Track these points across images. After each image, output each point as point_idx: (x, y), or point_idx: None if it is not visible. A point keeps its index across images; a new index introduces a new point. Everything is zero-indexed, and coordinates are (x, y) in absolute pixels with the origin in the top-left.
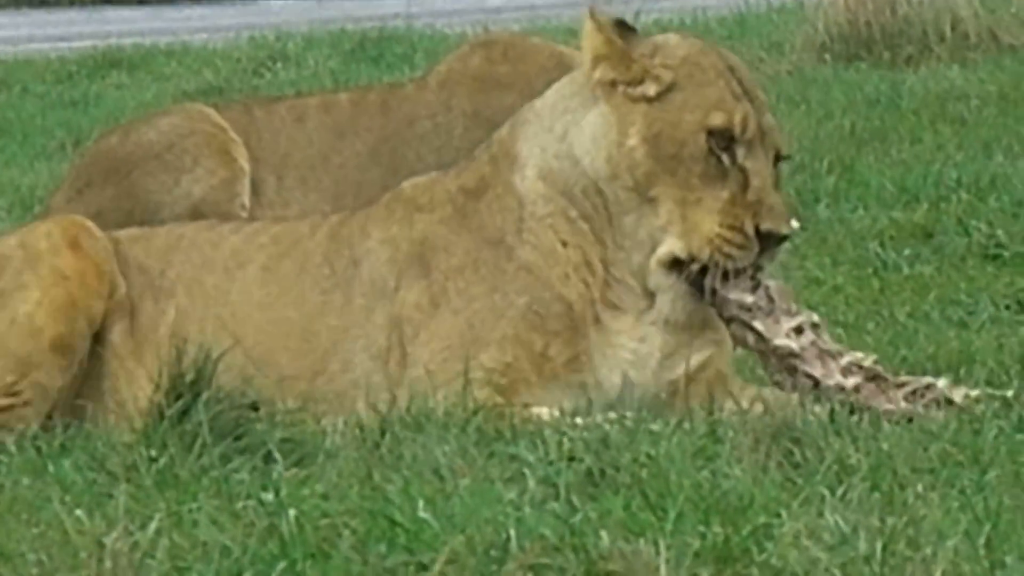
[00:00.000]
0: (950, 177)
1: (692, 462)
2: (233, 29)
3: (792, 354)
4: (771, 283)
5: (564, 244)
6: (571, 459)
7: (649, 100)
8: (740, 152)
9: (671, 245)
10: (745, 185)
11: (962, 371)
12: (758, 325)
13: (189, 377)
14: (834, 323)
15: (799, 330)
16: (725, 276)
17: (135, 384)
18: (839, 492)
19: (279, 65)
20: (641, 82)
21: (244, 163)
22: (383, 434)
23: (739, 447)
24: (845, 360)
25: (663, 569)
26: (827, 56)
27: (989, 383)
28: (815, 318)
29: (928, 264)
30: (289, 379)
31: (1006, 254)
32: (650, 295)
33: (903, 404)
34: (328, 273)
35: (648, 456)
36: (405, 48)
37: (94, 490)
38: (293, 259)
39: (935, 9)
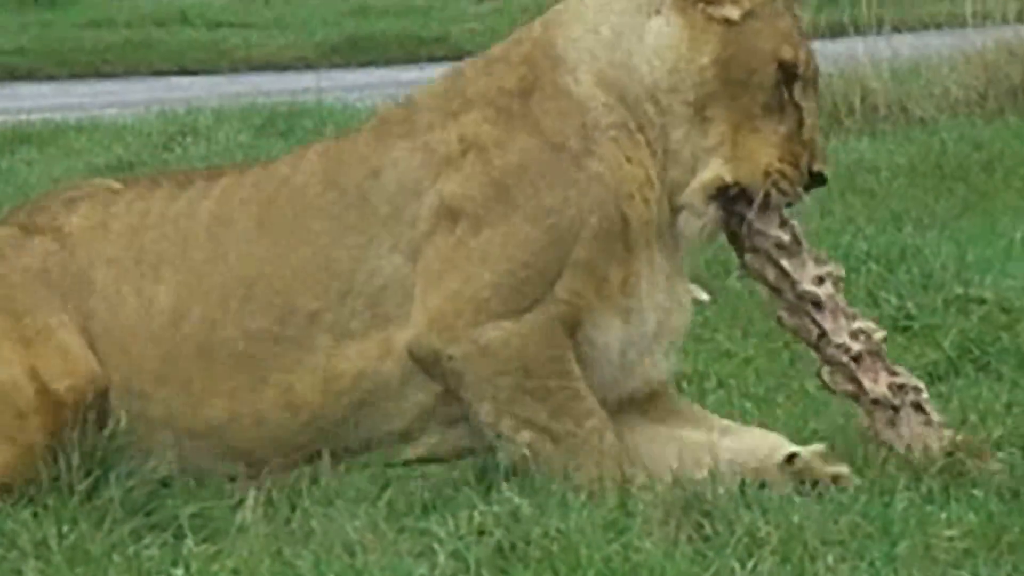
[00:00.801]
0: (860, 249)
1: (603, 535)
2: (143, 104)
3: (814, 301)
4: (796, 224)
5: (628, 160)
6: (481, 533)
7: (728, 23)
8: (798, 89)
9: (719, 169)
10: (800, 123)
11: (871, 445)
12: (786, 264)
13: (99, 452)
14: (744, 395)
15: (821, 279)
16: (760, 208)
17: None
18: (750, 565)
19: (189, 139)
20: (722, 3)
21: None
22: (293, 508)
23: (650, 520)
24: (857, 324)
25: None
26: None
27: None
28: (841, 271)
29: None
30: (318, 314)
31: (916, 326)
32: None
33: (886, 392)
34: (335, 197)
35: (558, 530)
36: (315, 122)
37: (3, 567)
38: (285, 200)
39: (845, 81)
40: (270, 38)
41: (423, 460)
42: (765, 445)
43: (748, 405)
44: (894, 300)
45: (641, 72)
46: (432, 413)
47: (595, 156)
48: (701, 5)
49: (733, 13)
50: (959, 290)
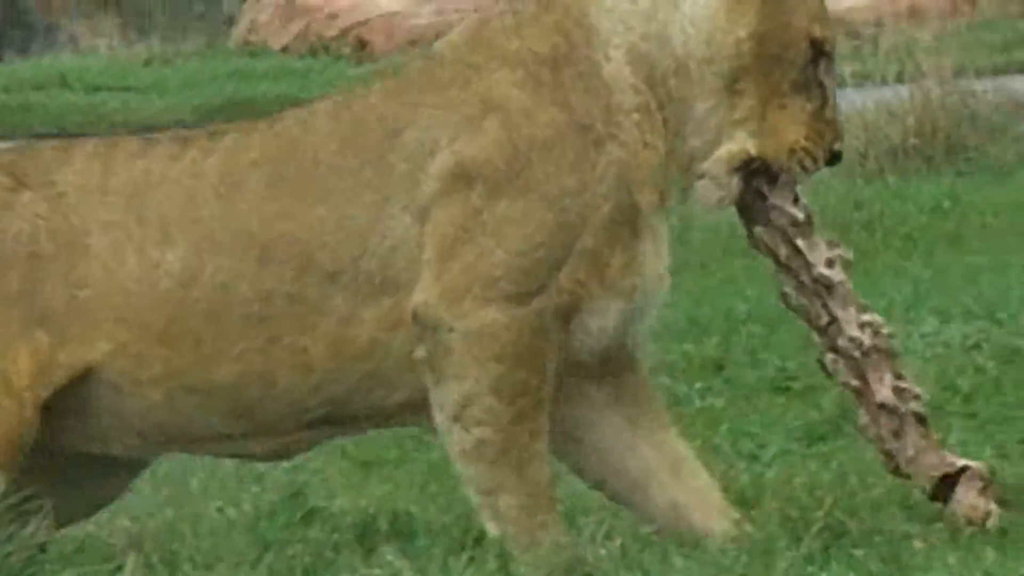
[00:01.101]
0: (740, 310)
1: None
2: None
3: (827, 284)
4: (805, 202)
5: (645, 145)
6: None
7: (763, 1)
8: (824, 68)
9: (745, 143)
10: (825, 101)
11: (752, 507)
12: (801, 243)
13: None
14: None
15: (832, 262)
16: (780, 185)
17: None
18: None
19: None
20: None
21: None
22: (173, 572)
23: None
24: (867, 316)
25: None
26: None
27: (779, 514)
28: (850, 255)
29: (719, 396)
30: (334, 275)
31: (796, 386)
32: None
33: (888, 392)
34: (353, 155)
35: None
36: None
37: None
38: (300, 159)
39: None
40: (149, 101)
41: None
42: (708, 506)
43: None
44: (775, 360)
45: (675, 43)
46: None
47: (617, 141)
48: None
49: None
50: None
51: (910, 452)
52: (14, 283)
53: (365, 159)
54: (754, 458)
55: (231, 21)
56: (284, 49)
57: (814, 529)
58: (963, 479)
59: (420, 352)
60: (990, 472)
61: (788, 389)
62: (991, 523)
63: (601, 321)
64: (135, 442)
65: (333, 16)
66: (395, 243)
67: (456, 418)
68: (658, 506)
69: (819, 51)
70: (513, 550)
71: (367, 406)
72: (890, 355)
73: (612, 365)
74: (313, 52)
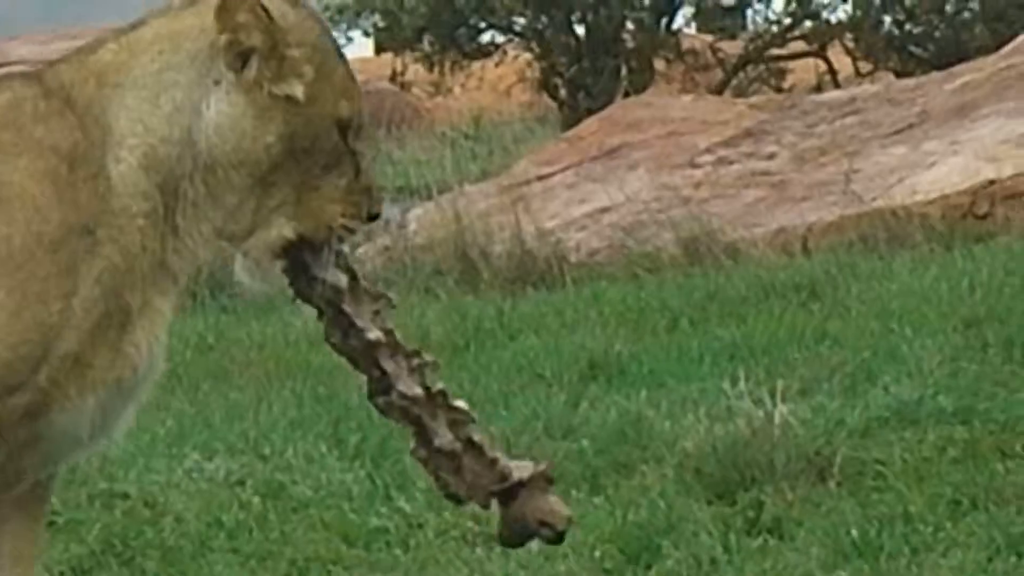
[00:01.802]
0: None
1: None
2: None
3: (374, 344)
4: (346, 249)
5: (144, 249)
6: None
7: (296, 99)
8: (352, 137)
9: (283, 228)
10: (358, 170)
11: None
12: (347, 308)
13: None
14: None
15: (377, 313)
16: (327, 253)
17: None
18: None
19: None
20: (287, 81)
21: None
22: None
23: None
24: (416, 361)
25: None
26: None
27: None
28: (392, 297)
29: None
30: None
31: (60, 520)
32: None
33: (448, 435)
34: None
35: None
36: None
37: None
38: None
39: None
40: None
41: None
42: None
43: None
44: None
45: (199, 148)
46: None
47: (117, 245)
48: (266, 85)
49: (297, 91)
50: (103, 485)
51: (468, 479)
52: None
53: None
54: None
55: None
56: None
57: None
58: (529, 485)
59: None
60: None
61: (52, 524)
62: (565, 518)
63: (75, 419)
64: None
65: None
66: None
67: None
68: None
69: (347, 128)
70: None
71: None
72: (442, 393)
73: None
74: None
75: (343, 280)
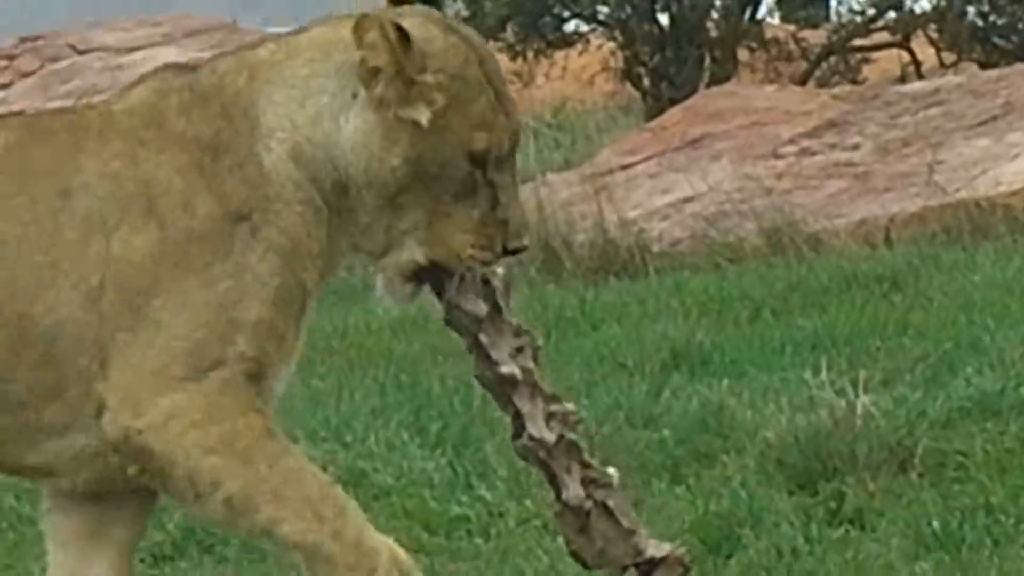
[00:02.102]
0: None
1: None
2: None
3: (510, 381)
4: (499, 284)
5: (308, 235)
6: None
7: (422, 124)
8: (491, 169)
9: (414, 251)
10: (494, 202)
11: None
12: (484, 338)
13: None
14: None
15: (520, 349)
16: (459, 284)
17: None
18: None
19: None
20: (413, 106)
21: None
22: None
23: None
24: (555, 407)
25: None
26: None
27: None
28: (539, 341)
29: None
30: None
31: None
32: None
33: (579, 491)
34: (27, 203)
35: None
36: None
37: None
38: None
39: None
40: None
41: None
42: None
43: None
44: None
45: (337, 163)
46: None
47: (275, 227)
48: (392, 106)
49: (422, 117)
50: None
51: (597, 547)
52: None
53: (37, 212)
54: None
55: None
56: None
57: None
58: (664, 567)
59: (133, 471)
60: (689, 559)
61: None
62: None
63: (278, 386)
64: None
65: None
66: (65, 311)
67: (197, 497)
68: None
69: (482, 160)
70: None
71: (6, 459)
72: (577, 446)
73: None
74: None
75: (482, 310)
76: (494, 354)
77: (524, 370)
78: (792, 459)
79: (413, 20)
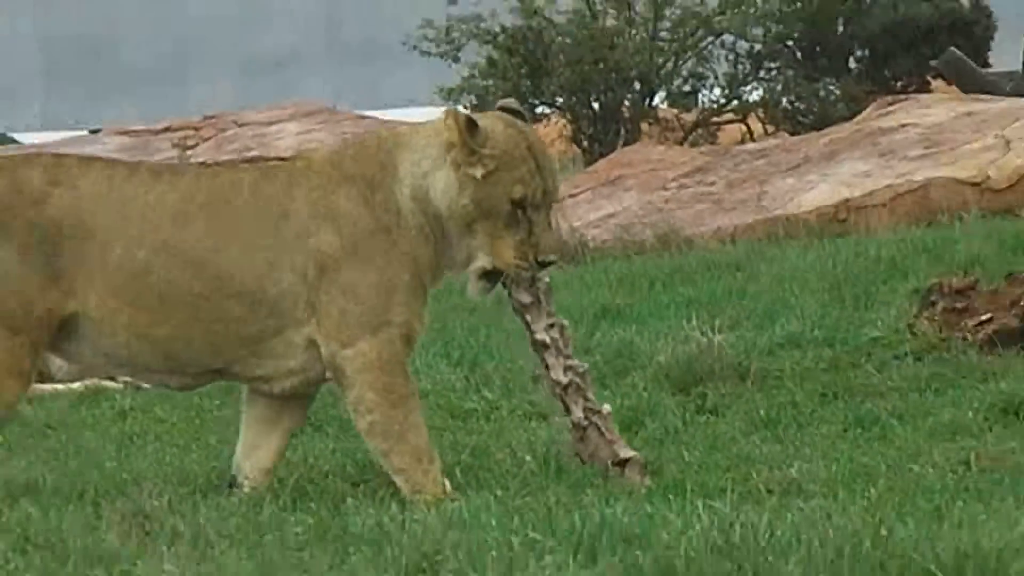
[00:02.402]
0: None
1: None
2: None
3: (542, 345)
4: (541, 286)
5: (421, 248)
6: None
7: (476, 179)
8: (530, 210)
9: (483, 261)
10: (530, 231)
11: None
12: (528, 318)
13: None
14: None
15: (552, 327)
16: (515, 282)
17: None
18: (169, 550)
19: None
20: (474, 167)
21: None
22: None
23: (114, 521)
24: (570, 362)
25: None
26: None
27: None
28: (564, 323)
29: None
30: (240, 294)
31: None
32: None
33: (581, 414)
34: (257, 221)
35: None
36: None
37: None
38: (226, 211)
39: None
40: None
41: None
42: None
43: None
44: None
45: (434, 203)
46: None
47: (406, 240)
48: (462, 167)
49: (477, 172)
50: None
51: (590, 451)
52: (50, 248)
53: (264, 226)
54: None
55: None
56: None
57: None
58: (630, 463)
59: (329, 375)
60: (645, 459)
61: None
62: (644, 488)
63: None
64: (105, 365)
65: None
66: (280, 288)
67: (356, 411)
68: (256, 449)
69: (521, 203)
70: (409, 494)
71: (242, 371)
72: (583, 388)
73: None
74: None
75: (528, 299)
76: (534, 327)
77: (552, 339)
78: (675, 374)
79: (487, 116)
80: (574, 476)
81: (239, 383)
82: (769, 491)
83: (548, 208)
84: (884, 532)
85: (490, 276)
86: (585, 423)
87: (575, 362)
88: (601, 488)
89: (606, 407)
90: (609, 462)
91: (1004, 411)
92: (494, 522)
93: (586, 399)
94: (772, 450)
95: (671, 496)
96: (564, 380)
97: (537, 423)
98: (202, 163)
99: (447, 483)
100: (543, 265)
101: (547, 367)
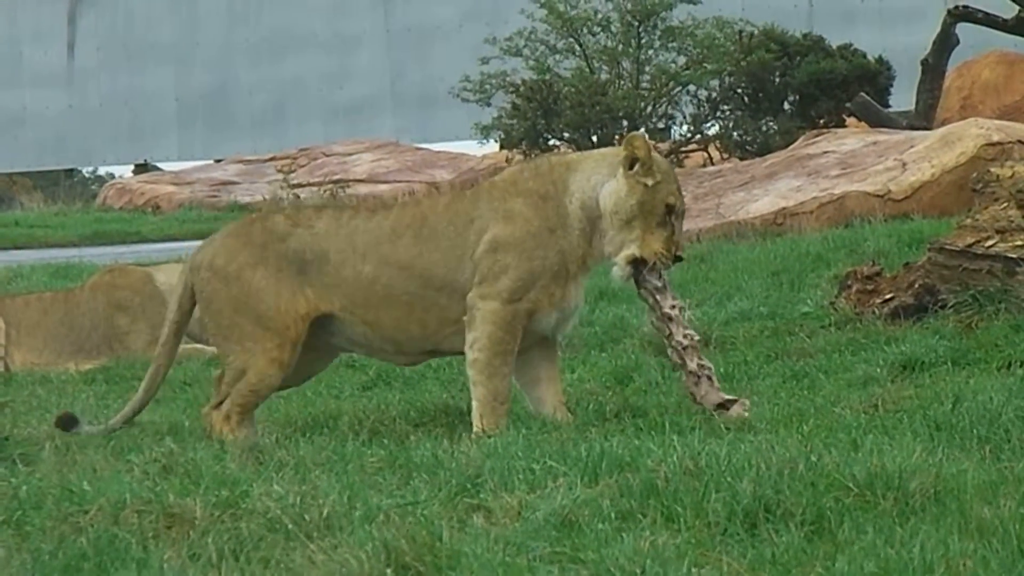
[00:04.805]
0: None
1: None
2: None
3: (668, 317)
4: (665, 273)
5: (576, 245)
6: None
7: (646, 186)
8: (674, 216)
9: (635, 250)
10: (673, 231)
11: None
12: (658, 297)
13: None
14: None
15: (675, 306)
16: (651, 270)
17: None
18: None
19: None
20: (646, 176)
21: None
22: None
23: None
24: (688, 331)
25: None
26: None
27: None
28: (682, 303)
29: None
30: (441, 287)
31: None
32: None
33: (695, 366)
34: (451, 229)
35: None
36: None
37: None
38: (427, 227)
39: None
40: (54, 232)
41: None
42: (551, 402)
43: None
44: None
45: (602, 205)
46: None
47: (565, 239)
48: (636, 176)
49: (649, 181)
50: None
51: (702, 394)
52: (295, 271)
53: (456, 232)
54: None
55: (93, 194)
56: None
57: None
58: (735, 404)
59: (466, 318)
60: (748, 401)
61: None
62: (747, 415)
63: (545, 320)
64: (351, 348)
65: None
66: (466, 275)
67: (470, 347)
68: (532, 393)
69: (671, 209)
70: (477, 421)
71: (451, 346)
72: (696, 348)
73: (546, 340)
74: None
75: (659, 283)
76: (663, 304)
77: (675, 313)
78: (656, 341)
79: (659, 157)
80: (581, 419)
81: (453, 357)
82: (727, 428)
83: (682, 218)
84: (814, 458)
85: (637, 263)
86: (700, 374)
87: (691, 331)
88: (600, 427)
89: (710, 364)
90: (716, 403)
91: (903, 367)
92: (521, 453)
93: (699, 357)
94: None
95: (653, 433)
96: (684, 342)
97: None
98: (405, 194)
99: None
100: (677, 259)
101: (670, 333)
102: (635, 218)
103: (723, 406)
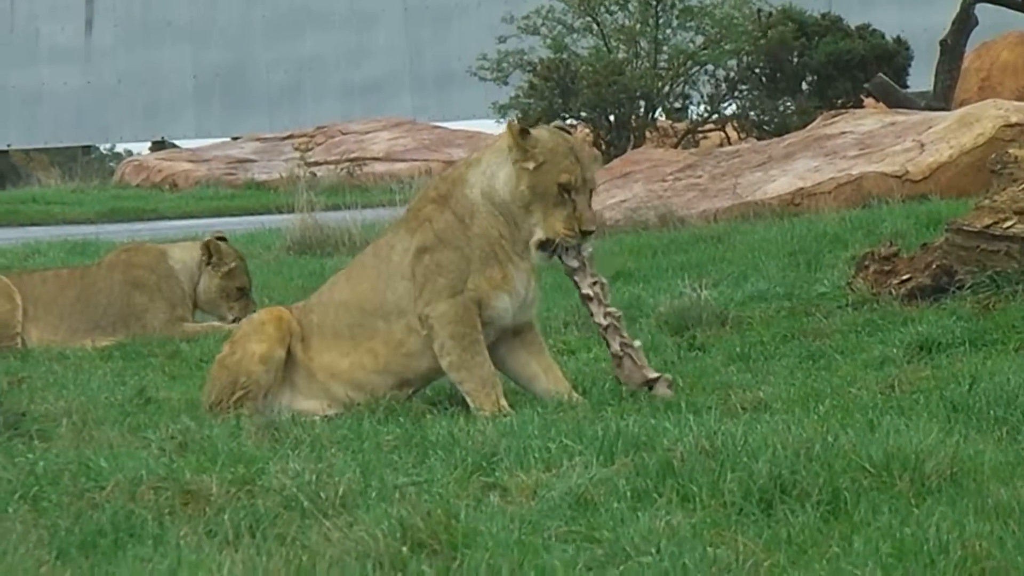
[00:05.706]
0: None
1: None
2: None
3: (588, 297)
4: (586, 253)
5: (494, 228)
6: None
7: (529, 170)
8: (573, 193)
9: (539, 233)
10: (574, 208)
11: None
12: (576, 278)
13: None
14: None
15: (595, 283)
16: (565, 250)
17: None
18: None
19: None
20: (526, 161)
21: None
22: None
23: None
24: (608, 308)
25: None
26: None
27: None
28: (604, 280)
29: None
30: (376, 312)
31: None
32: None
33: (617, 347)
34: (380, 260)
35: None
36: None
37: None
38: (367, 262)
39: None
40: (71, 209)
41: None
42: (557, 389)
43: None
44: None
45: (499, 194)
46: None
47: (478, 225)
48: (518, 162)
49: (529, 165)
50: None
51: (626, 374)
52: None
53: (380, 260)
54: None
55: (111, 171)
56: (136, 186)
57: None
58: (658, 382)
59: (424, 332)
60: (671, 378)
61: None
62: (670, 397)
63: (499, 304)
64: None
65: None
66: (398, 293)
67: (440, 354)
68: (536, 389)
69: (566, 187)
70: (475, 410)
71: (415, 371)
72: (618, 328)
73: (517, 329)
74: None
75: (575, 264)
76: (580, 284)
77: (595, 293)
78: (671, 320)
79: (537, 127)
80: (597, 398)
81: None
82: (743, 408)
83: (588, 192)
84: (830, 439)
85: (544, 245)
86: (621, 354)
87: (612, 308)
88: (616, 407)
89: (637, 342)
90: (641, 383)
91: (920, 348)
92: (536, 432)
93: (621, 336)
94: (745, 377)
95: (669, 412)
96: (604, 323)
97: (568, 357)
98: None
99: (505, 402)
100: (585, 234)
101: (591, 313)
102: (531, 202)
103: (649, 384)
